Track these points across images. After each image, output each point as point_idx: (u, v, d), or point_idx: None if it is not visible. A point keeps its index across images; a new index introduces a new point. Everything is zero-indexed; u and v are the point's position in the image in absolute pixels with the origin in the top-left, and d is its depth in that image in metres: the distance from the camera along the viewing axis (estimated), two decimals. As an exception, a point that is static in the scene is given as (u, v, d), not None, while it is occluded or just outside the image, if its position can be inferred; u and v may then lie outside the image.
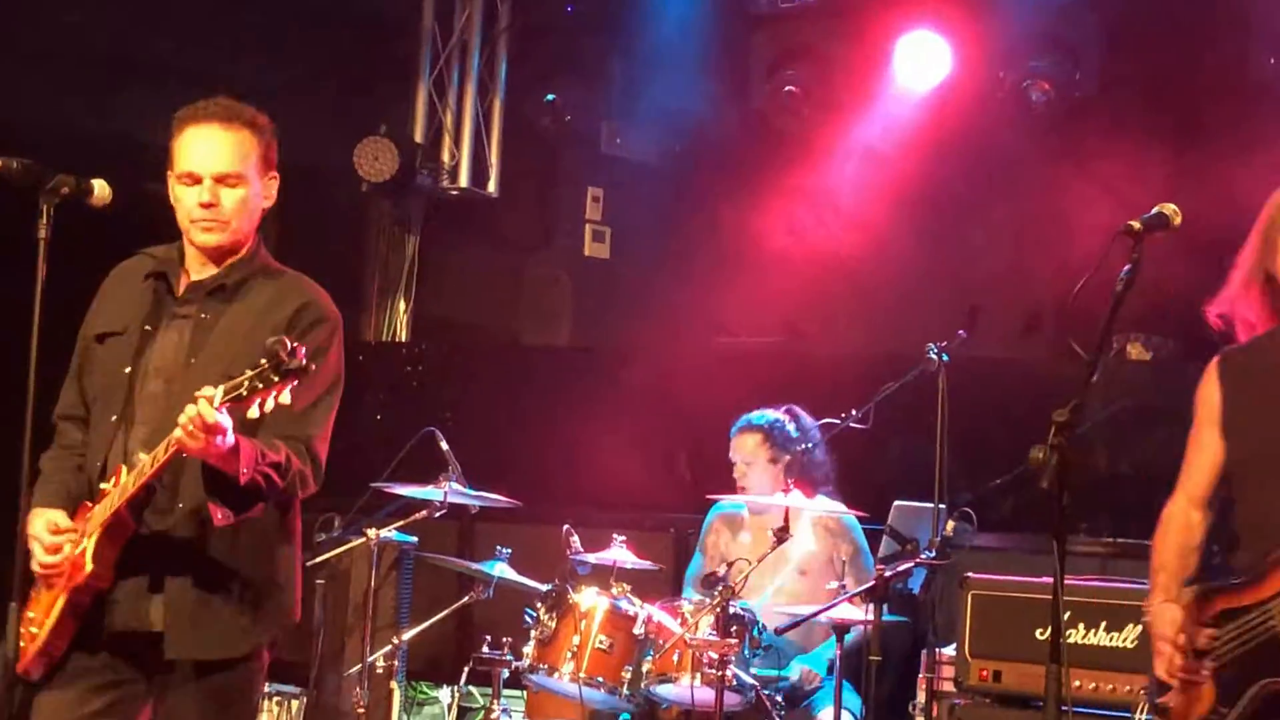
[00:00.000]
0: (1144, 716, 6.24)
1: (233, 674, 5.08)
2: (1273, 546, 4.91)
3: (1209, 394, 5.28)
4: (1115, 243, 4.86)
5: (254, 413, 4.58)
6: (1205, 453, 5.27)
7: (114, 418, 5.11)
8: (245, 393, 4.50)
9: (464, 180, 11.00)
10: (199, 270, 5.18)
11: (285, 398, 4.57)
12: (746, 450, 7.94)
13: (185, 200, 5.09)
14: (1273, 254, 5.10)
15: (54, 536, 4.92)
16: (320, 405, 5.08)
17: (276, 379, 4.48)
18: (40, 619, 5.01)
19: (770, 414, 7.98)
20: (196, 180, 5.07)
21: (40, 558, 4.92)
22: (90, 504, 5.04)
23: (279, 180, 5.25)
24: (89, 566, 4.92)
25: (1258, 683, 4.83)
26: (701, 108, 10.53)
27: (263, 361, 4.49)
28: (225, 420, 4.53)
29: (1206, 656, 4.95)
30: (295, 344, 4.52)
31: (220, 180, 5.06)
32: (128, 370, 5.12)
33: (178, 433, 4.59)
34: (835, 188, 10.14)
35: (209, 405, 4.49)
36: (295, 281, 5.23)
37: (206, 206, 5.05)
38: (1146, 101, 9.49)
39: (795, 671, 7.66)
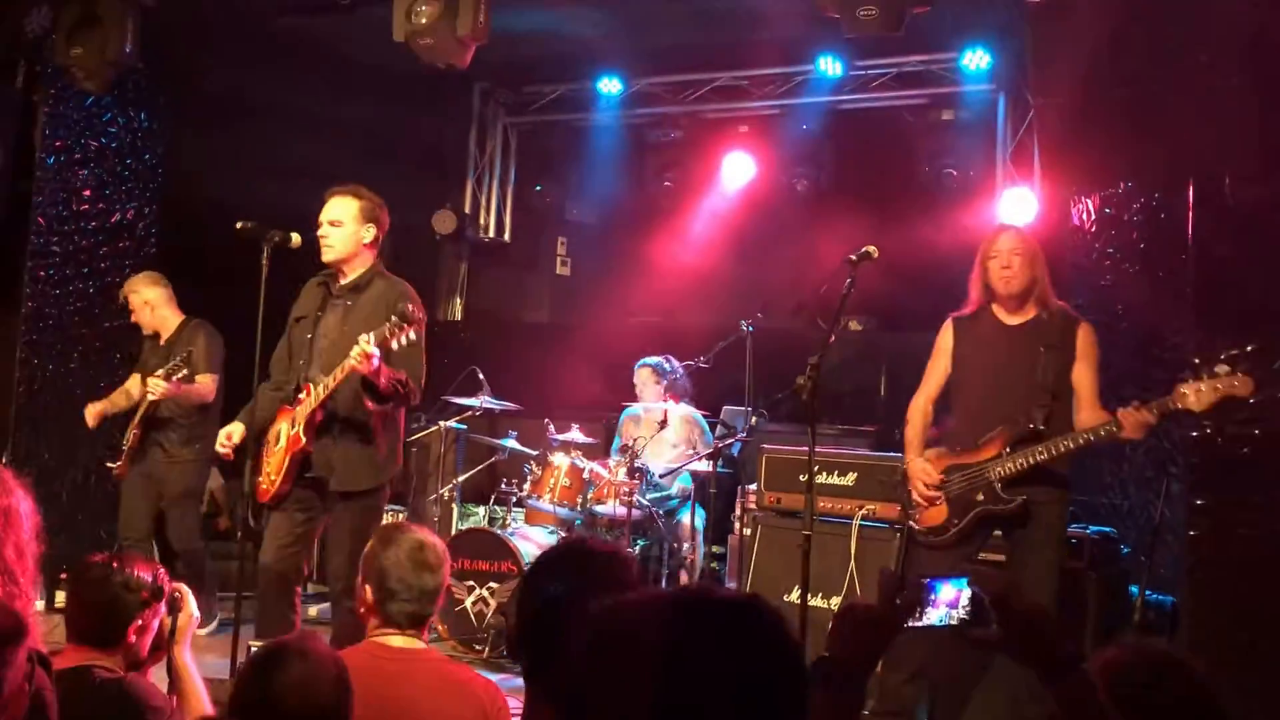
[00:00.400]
0: (859, 521, 6.24)
1: (369, 499, 5.10)
2: (982, 431, 4.92)
3: (945, 337, 5.24)
4: (842, 267, 4.91)
5: (394, 345, 4.67)
6: (937, 371, 5.25)
7: (302, 363, 5.14)
8: (388, 335, 4.60)
9: (492, 233, 10.82)
10: (343, 279, 5.19)
11: (412, 336, 4.68)
12: (643, 378, 7.93)
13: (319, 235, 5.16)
14: (986, 272, 5.08)
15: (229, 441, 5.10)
16: (417, 359, 5.08)
17: (404, 324, 4.60)
18: (274, 472, 5.02)
19: (656, 358, 7.96)
20: (319, 225, 5.14)
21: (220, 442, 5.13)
22: (291, 407, 5.05)
23: (379, 230, 5.22)
24: (302, 439, 4.94)
25: (976, 508, 4.88)
26: (619, 194, 10.49)
27: (394, 316, 4.61)
28: (375, 351, 4.61)
29: (942, 489, 4.97)
30: (413, 307, 4.70)
31: (331, 223, 5.12)
32: (309, 337, 5.15)
33: (349, 360, 4.66)
34: (692, 235, 10.10)
35: (367, 343, 4.60)
36: (400, 283, 5.22)
37: (321, 237, 5.13)
38: (861, 190, 9.48)
39: (676, 489, 7.65)
